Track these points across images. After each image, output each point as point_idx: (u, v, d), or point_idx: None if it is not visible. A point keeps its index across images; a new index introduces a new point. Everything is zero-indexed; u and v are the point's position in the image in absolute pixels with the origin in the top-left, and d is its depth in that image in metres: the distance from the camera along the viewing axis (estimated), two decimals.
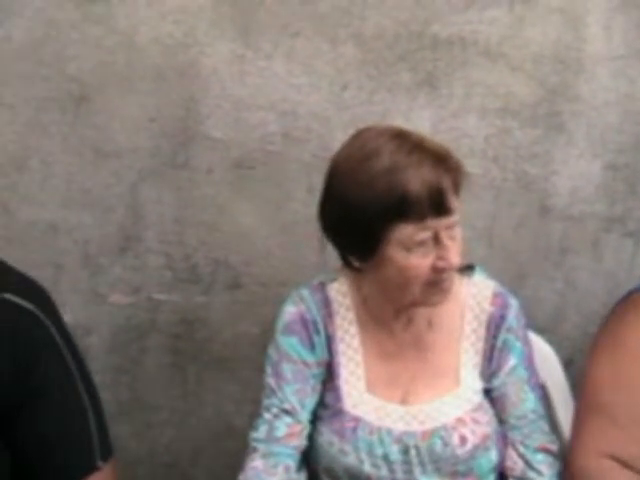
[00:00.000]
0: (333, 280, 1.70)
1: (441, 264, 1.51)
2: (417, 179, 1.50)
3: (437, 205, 1.49)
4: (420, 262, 1.53)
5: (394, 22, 2.01)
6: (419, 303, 1.58)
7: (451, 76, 2.03)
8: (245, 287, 2.09)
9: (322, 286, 1.69)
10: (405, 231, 1.51)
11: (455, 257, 1.52)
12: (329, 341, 1.66)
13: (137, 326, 2.11)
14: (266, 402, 1.66)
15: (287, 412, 1.63)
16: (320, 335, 1.65)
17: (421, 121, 2.02)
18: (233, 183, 2.04)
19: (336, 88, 2.02)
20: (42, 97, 2.00)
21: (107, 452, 1.46)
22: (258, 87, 2.02)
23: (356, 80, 2.02)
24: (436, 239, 1.52)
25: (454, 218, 1.53)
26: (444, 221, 1.50)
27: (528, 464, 1.64)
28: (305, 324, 1.66)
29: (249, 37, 2.01)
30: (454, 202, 1.52)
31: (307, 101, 2.03)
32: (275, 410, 1.64)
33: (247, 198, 2.05)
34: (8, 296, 1.36)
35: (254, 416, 1.63)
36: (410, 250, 1.52)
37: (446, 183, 1.50)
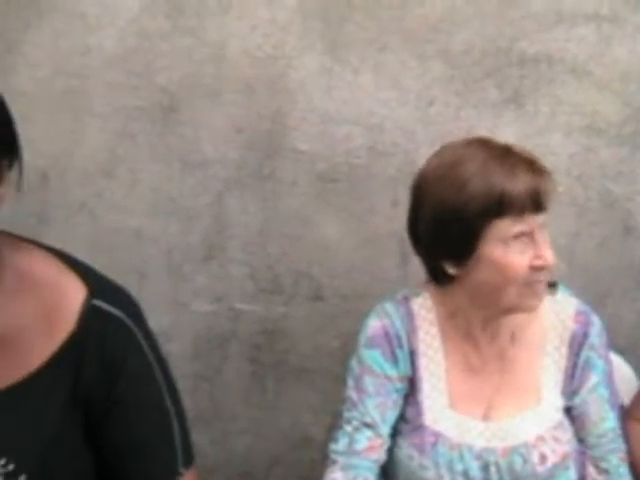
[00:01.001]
0: (417, 294, 1.71)
1: (539, 262, 1.52)
2: (514, 178, 1.53)
3: (535, 201, 1.52)
4: (518, 259, 1.55)
5: (481, 38, 2.01)
6: (514, 308, 1.59)
7: (537, 93, 2.03)
8: (326, 299, 2.10)
9: (406, 300, 1.70)
10: (503, 225, 1.54)
11: (551, 256, 1.53)
12: (412, 355, 1.66)
13: (218, 335, 2.12)
14: (347, 415, 1.66)
15: (368, 425, 1.64)
16: (403, 349, 1.66)
17: (506, 138, 2.00)
18: (317, 195, 2.05)
19: (422, 103, 2.03)
20: (132, 107, 2.02)
21: (189, 459, 1.47)
22: (345, 101, 2.03)
23: (442, 96, 2.02)
24: (532, 237, 1.53)
25: (545, 215, 1.54)
26: (539, 218, 1.53)
27: (610, 476, 1.63)
28: (388, 338, 1.66)
29: (337, 51, 2.01)
30: (549, 201, 1.54)
31: (393, 115, 2.03)
32: (356, 423, 1.64)
33: (331, 211, 2.05)
34: (97, 302, 1.37)
35: (331, 427, 1.64)
36: (508, 245, 1.54)
37: (542, 182, 1.52)
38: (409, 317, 1.65)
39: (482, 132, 1.90)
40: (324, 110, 2.02)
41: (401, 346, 1.64)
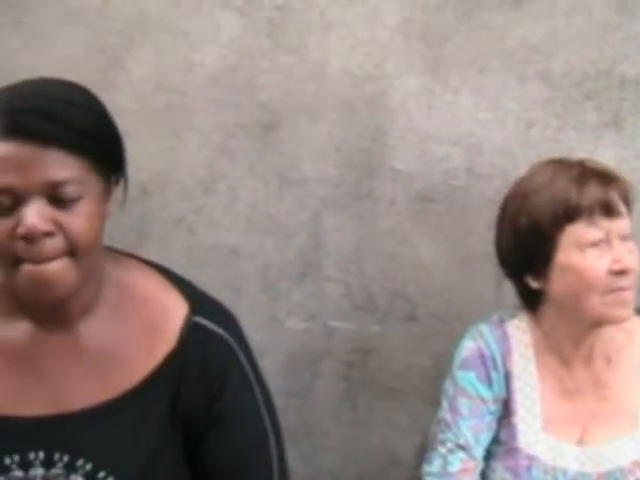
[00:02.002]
0: (512, 317, 1.72)
1: (617, 266, 1.53)
2: (581, 184, 1.60)
3: (605, 205, 1.56)
4: (596, 263, 1.57)
5: (582, 60, 2.01)
6: (601, 318, 1.59)
7: (637, 116, 2.02)
8: (420, 319, 2.10)
9: (501, 322, 1.71)
10: (575, 230, 1.58)
11: (633, 261, 1.53)
12: (507, 378, 1.67)
13: (311, 352, 2.12)
14: (441, 436, 1.67)
15: (462, 447, 1.64)
16: (498, 371, 1.66)
17: (605, 160, 2.01)
18: (415, 215, 2.05)
19: (522, 125, 2.03)
20: (232, 123, 2.03)
21: (284, 476, 1.47)
22: (444, 121, 2.03)
23: (542, 117, 2.02)
24: (609, 243, 1.55)
25: (625, 224, 1.59)
26: (615, 224, 1.56)
27: None
28: (484, 360, 1.67)
29: (437, 71, 2.02)
30: (622, 207, 1.59)
31: (492, 137, 2.03)
32: (450, 445, 1.65)
33: (428, 231, 2.06)
34: (199, 320, 1.38)
35: (420, 448, 1.63)
36: (584, 251, 1.57)
37: (612, 191, 1.57)
38: (504, 339, 1.66)
39: (581, 154, 1.90)
40: (423, 130, 2.02)
41: (496, 368, 1.64)
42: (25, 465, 1.35)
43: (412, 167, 2.05)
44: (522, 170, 1.92)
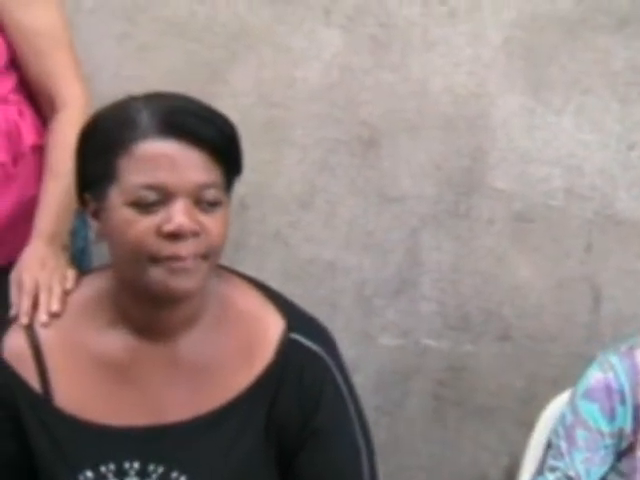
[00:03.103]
0: None
1: None
2: None
3: None
4: None
5: None
6: None
7: None
8: (514, 339, 2.09)
9: (631, 351, 1.67)
10: None
11: None
12: (636, 410, 1.63)
13: (403, 369, 2.12)
14: (551, 463, 1.64)
15: (571, 479, 1.61)
16: (625, 405, 1.63)
17: None
18: (512, 235, 2.05)
19: (623, 147, 2.02)
20: (332, 139, 2.04)
21: None
22: (545, 141, 2.03)
23: None
24: None
25: None
26: None
27: None
28: (610, 393, 1.64)
29: (539, 91, 2.02)
30: None
31: (593, 158, 2.03)
32: (559, 474, 1.63)
33: (525, 251, 2.05)
34: (296, 336, 1.39)
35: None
36: None
37: None
38: (634, 370, 1.63)
39: None
40: (524, 150, 2.02)
41: (623, 402, 1.62)
42: (120, 474, 1.37)
43: (511, 187, 2.04)
44: (621, 193, 1.92)
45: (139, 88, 1.96)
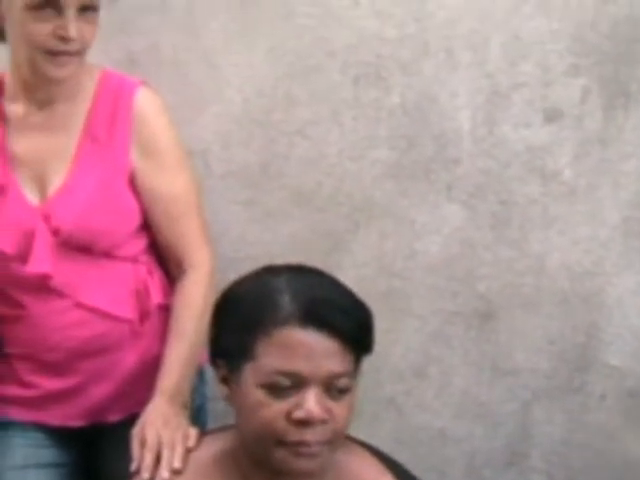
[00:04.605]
0: None
1: None
2: None
3: None
4: None
5: None
6: None
7: None
8: None
9: None
10: None
11: None
12: None
13: None
14: None
15: None
16: None
17: None
18: (625, 412, 2.08)
19: None
20: (449, 311, 2.08)
21: None
22: None
23: None
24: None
25: None
26: None
27: None
28: None
29: None
30: None
31: None
32: None
33: (638, 428, 2.07)
34: None
35: None
36: None
37: None
38: None
39: None
40: (638, 328, 2.05)
41: None
42: None
43: (625, 363, 2.07)
44: None
45: (263, 253, 2.04)
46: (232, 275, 1.96)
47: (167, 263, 1.85)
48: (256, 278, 1.42)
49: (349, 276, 1.93)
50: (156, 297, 1.80)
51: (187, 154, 1.81)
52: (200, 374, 1.87)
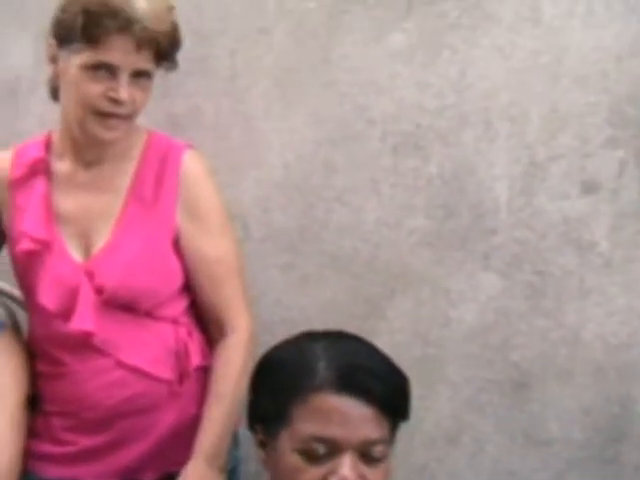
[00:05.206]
0: None
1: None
2: None
3: None
4: None
5: None
6: None
7: None
8: None
9: None
10: None
11: None
12: None
13: None
14: None
15: None
16: None
17: None
18: None
19: None
20: (483, 379, 2.09)
21: None
22: None
23: None
24: None
25: None
26: None
27: None
28: None
29: None
30: None
31: None
32: None
33: None
34: None
35: None
36: None
37: None
38: None
39: None
40: None
41: None
42: None
43: None
44: None
45: (298, 317, 2.05)
46: (267, 338, 1.99)
47: (207, 325, 1.86)
48: (294, 344, 1.45)
49: (384, 342, 1.94)
50: (195, 359, 1.82)
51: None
52: (234, 437, 1.88)
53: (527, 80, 1.98)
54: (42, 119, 2.24)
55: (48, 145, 1.84)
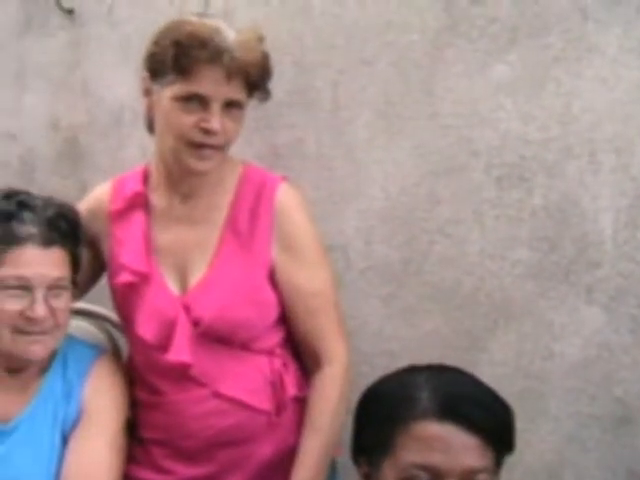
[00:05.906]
0: None
1: None
2: None
3: None
4: None
5: None
6: None
7: None
8: None
9: None
10: None
11: None
12: None
13: None
14: None
15: None
16: None
17: None
18: None
19: None
20: (585, 413, 2.07)
21: None
22: None
23: None
24: None
25: None
26: None
27: None
28: None
29: None
30: None
31: None
32: None
33: None
34: None
35: None
36: None
37: None
38: None
39: None
40: None
41: None
42: None
43: None
44: None
45: (399, 349, 2.05)
46: (366, 369, 2.01)
47: (303, 356, 1.87)
48: (397, 376, 1.46)
49: (485, 374, 1.95)
50: (291, 389, 1.84)
51: (327, 248, 1.84)
52: (332, 466, 1.89)
53: (632, 112, 1.98)
54: (144, 149, 2.28)
55: (145, 178, 1.87)
